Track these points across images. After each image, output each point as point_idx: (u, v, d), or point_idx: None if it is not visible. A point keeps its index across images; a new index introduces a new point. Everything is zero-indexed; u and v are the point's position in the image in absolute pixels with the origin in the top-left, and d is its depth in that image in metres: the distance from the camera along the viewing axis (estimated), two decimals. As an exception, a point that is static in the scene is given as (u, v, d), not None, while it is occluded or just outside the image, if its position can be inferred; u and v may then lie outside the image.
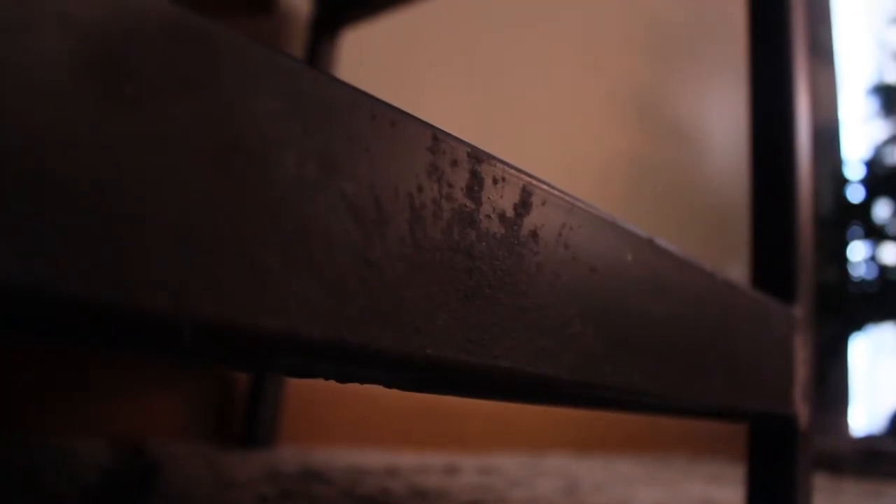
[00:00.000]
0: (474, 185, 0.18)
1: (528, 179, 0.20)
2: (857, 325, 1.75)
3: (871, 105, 2.11)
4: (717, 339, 0.31)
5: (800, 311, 0.42)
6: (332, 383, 0.76)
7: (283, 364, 0.16)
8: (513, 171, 0.20)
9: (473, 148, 0.19)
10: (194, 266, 0.13)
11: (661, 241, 0.27)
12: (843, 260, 1.84)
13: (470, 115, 0.97)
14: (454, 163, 0.18)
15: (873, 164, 1.90)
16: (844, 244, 1.84)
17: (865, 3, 2.55)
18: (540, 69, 1.09)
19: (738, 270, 1.52)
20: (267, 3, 0.77)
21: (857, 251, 1.85)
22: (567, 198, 0.22)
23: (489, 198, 0.19)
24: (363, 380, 0.19)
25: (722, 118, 1.57)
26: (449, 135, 0.18)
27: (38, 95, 0.12)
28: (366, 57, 0.85)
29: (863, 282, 1.80)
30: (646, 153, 1.31)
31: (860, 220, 1.80)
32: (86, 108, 0.12)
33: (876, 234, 1.78)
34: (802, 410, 0.41)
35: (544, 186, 0.21)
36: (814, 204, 0.56)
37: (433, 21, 0.93)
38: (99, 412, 0.61)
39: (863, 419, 2.17)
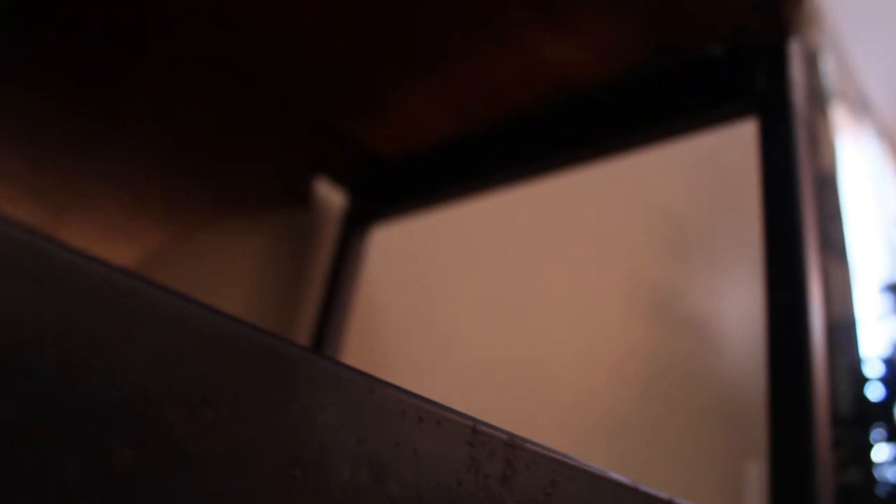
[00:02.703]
0: (508, 472, 0.20)
1: (557, 458, 0.22)
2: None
3: (886, 303, 2.13)
4: None
5: (823, 553, 0.41)
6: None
7: None
8: (544, 452, 0.21)
9: (510, 436, 0.20)
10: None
11: (681, 500, 0.28)
12: (867, 460, 1.79)
13: (488, 308, 1.00)
14: (491, 454, 0.19)
15: (892, 363, 1.89)
16: (867, 444, 1.80)
17: (875, 204, 2.65)
18: (557, 263, 1.13)
19: (756, 469, 1.48)
20: (305, 198, 0.82)
21: (882, 452, 1.80)
22: (593, 471, 0.23)
23: (521, 484, 0.20)
24: None
25: (738, 312, 1.59)
26: (487, 424, 0.20)
27: (125, 427, 0.13)
28: (392, 251, 0.89)
29: (889, 485, 1.74)
30: (662, 347, 1.32)
31: (882, 420, 1.77)
32: (169, 437, 0.14)
33: (899, 436, 1.74)
34: None
35: (572, 463, 0.22)
36: (830, 434, 0.55)
37: (457, 219, 0.98)
38: None
39: None
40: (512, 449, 0.20)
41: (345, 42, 0.64)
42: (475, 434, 0.19)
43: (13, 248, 0.13)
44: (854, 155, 2.63)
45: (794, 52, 0.55)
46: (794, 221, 0.51)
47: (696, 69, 0.56)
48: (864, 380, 1.89)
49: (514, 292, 1.04)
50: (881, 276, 2.27)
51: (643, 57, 0.57)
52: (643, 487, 0.26)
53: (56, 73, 0.63)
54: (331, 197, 0.84)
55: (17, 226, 0.13)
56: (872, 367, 1.93)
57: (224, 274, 0.73)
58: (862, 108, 2.85)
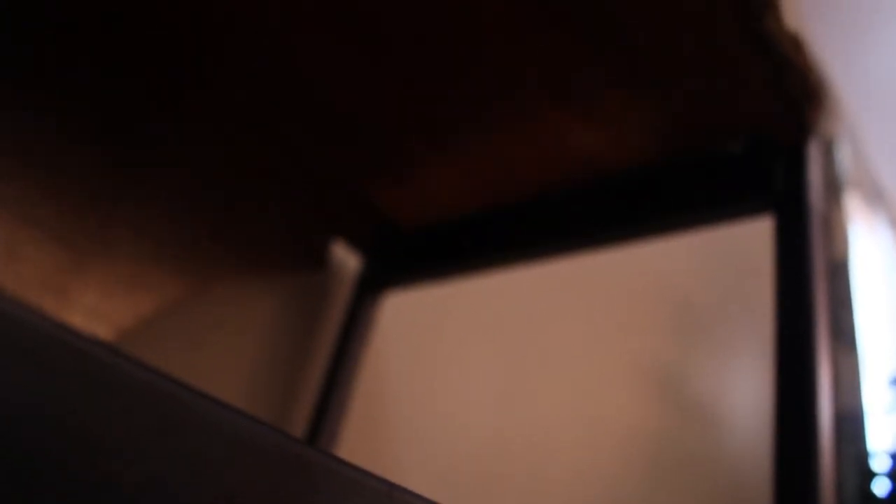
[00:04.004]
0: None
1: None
2: None
3: (894, 396, 2.10)
4: None
5: None
6: None
7: None
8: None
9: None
10: None
11: None
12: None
13: (493, 384, 0.99)
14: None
15: (899, 458, 1.85)
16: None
17: (886, 295, 2.64)
18: (565, 341, 1.13)
19: (758, 560, 1.44)
20: (321, 259, 0.83)
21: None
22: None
23: None
24: None
25: (745, 397, 1.57)
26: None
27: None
28: (401, 321, 0.89)
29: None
30: (667, 429, 1.31)
31: (889, 518, 1.73)
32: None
33: (907, 536, 1.70)
34: None
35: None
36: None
37: (466, 293, 0.98)
38: None
39: None
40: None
41: (372, 111, 0.66)
42: (488, 543, 0.19)
43: (65, 353, 0.13)
44: (867, 244, 2.64)
45: (814, 152, 0.56)
46: (806, 315, 0.51)
47: (714, 165, 0.57)
48: (870, 474, 1.85)
49: (520, 370, 1.04)
50: (890, 369, 2.24)
51: (663, 150, 0.59)
52: None
53: (86, 122, 0.65)
54: (346, 260, 0.85)
55: (72, 332, 0.13)
56: (879, 462, 1.89)
57: (237, 329, 0.74)
58: (876, 197, 2.87)
